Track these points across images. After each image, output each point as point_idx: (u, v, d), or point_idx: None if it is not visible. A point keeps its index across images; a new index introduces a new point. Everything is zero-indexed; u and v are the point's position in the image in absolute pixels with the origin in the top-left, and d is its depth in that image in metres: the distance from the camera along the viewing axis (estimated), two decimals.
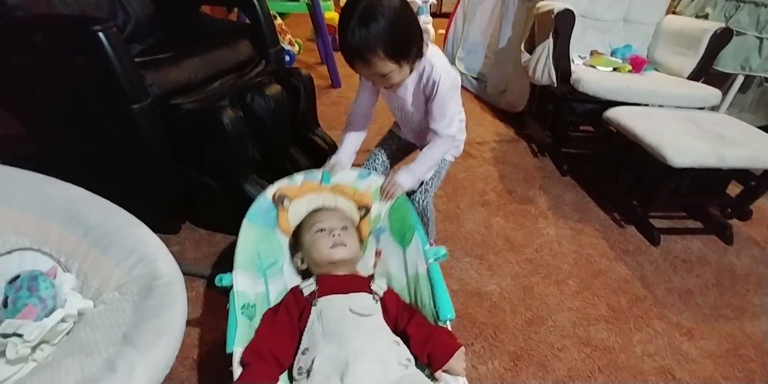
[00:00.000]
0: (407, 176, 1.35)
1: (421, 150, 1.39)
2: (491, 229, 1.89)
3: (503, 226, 1.92)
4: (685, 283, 1.70)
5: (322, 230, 1.21)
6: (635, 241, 1.90)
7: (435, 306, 1.07)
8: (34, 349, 0.90)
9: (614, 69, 2.37)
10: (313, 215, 1.28)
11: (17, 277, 0.97)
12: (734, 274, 1.77)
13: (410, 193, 1.43)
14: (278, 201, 1.30)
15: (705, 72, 2.34)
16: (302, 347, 1.00)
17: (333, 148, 1.93)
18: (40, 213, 1.08)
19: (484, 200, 2.08)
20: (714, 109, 2.45)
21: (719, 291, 1.68)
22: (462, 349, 0.99)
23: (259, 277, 1.15)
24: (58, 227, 1.06)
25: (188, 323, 1.31)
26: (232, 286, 1.04)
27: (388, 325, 1.07)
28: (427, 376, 0.98)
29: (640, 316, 1.53)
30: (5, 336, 0.87)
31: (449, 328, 1.03)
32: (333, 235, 1.20)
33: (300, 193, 1.34)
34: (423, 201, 1.45)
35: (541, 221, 1.97)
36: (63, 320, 0.93)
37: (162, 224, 1.63)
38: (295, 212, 1.32)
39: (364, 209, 1.34)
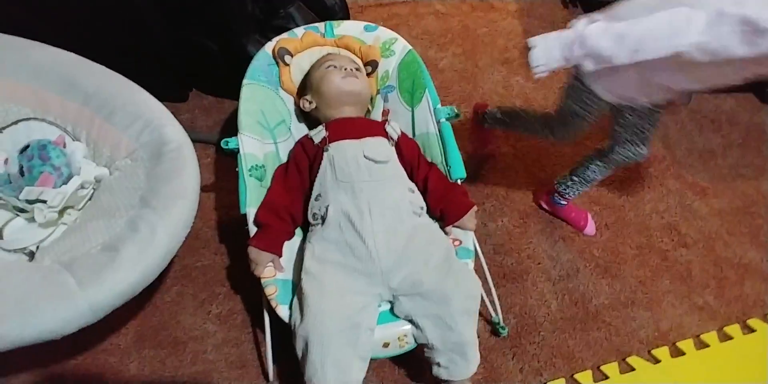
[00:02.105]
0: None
1: None
2: (510, 89, 1.79)
3: (523, 85, 1.81)
4: (708, 143, 1.65)
5: (333, 66, 1.15)
6: None
7: (446, 165, 1.07)
8: (61, 213, 0.95)
9: None
10: (324, 57, 1.21)
11: (27, 146, 0.98)
12: (763, 134, 1.70)
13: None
14: (279, 56, 1.21)
15: None
16: (315, 194, 1.00)
17: (340, 2, 1.74)
18: (35, 81, 1.04)
19: (505, 58, 1.93)
20: None
21: (742, 151, 1.63)
22: (474, 207, 1.02)
23: (267, 137, 1.12)
24: (57, 95, 1.03)
25: (207, 188, 1.36)
26: (239, 150, 1.02)
27: (404, 168, 1.05)
28: None
29: (656, 176, 1.52)
30: (30, 202, 0.91)
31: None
32: (345, 69, 1.14)
33: (302, 46, 1.24)
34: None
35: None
36: (82, 187, 0.96)
37: (168, 93, 1.58)
38: (299, 68, 1.24)
39: (371, 66, 1.25)
